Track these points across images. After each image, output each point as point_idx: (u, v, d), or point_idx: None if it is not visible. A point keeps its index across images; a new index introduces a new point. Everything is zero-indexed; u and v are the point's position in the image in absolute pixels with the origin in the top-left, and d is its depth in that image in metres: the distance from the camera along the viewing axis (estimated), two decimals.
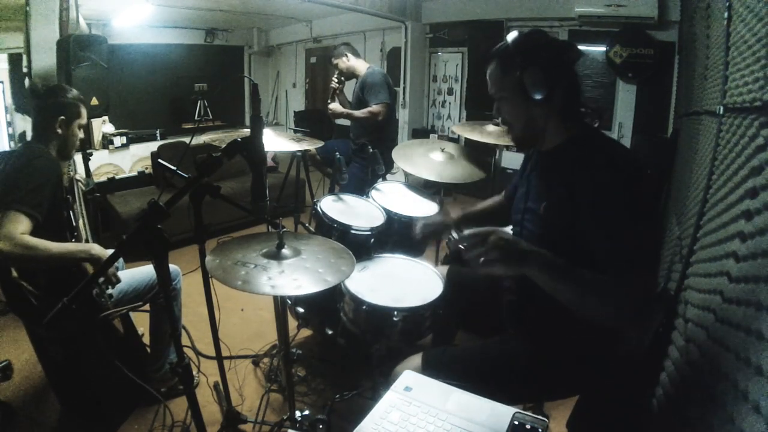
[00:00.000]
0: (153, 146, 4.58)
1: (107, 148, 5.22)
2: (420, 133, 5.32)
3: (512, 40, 1.07)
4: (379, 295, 1.45)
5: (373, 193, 2.07)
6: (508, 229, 1.30)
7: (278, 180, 3.54)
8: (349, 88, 3.17)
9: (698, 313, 0.97)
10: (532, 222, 1.15)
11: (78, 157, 2.55)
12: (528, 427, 0.81)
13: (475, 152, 2.22)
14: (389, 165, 2.50)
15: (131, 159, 5.48)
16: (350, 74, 3.08)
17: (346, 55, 3.03)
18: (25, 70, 2.44)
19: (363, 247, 1.74)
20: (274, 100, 7.77)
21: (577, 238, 0.98)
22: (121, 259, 1.95)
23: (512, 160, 4.23)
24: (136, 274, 1.75)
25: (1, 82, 3.21)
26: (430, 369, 1.11)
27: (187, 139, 4.60)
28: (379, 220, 1.86)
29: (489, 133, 2.25)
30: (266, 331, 2.34)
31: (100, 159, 5.03)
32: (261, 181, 1.15)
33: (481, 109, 4.69)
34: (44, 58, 2.34)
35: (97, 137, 4.67)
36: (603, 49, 3.83)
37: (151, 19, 5.23)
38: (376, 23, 5.31)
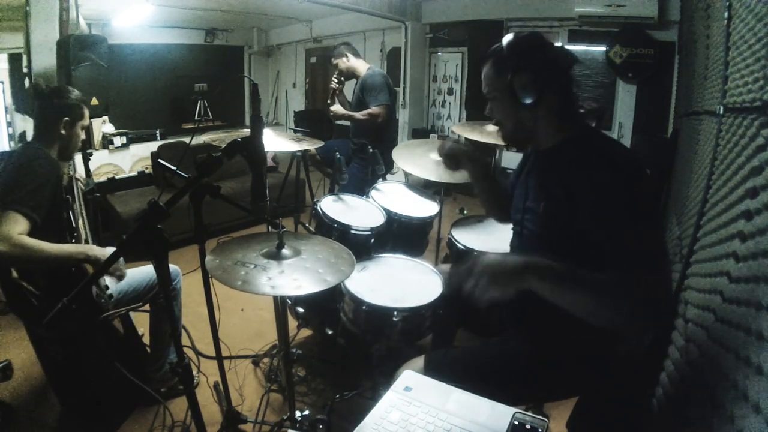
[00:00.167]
0: (153, 146, 4.58)
1: (107, 148, 5.22)
2: (420, 133, 5.31)
3: (507, 43, 1.08)
4: (378, 295, 1.45)
5: (373, 193, 2.07)
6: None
7: (278, 180, 3.54)
8: (350, 88, 3.17)
9: (698, 313, 0.97)
10: (532, 222, 1.15)
11: (78, 157, 2.55)
12: (528, 427, 0.81)
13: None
14: (389, 165, 2.49)
15: (131, 159, 5.48)
16: (350, 74, 3.07)
17: (346, 56, 3.02)
18: (25, 70, 2.45)
19: (363, 247, 1.74)
20: (274, 100, 7.78)
21: (576, 238, 0.98)
22: (121, 259, 1.95)
23: (512, 160, 4.23)
24: (136, 274, 1.75)
25: (1, 82, 3.21)
26: (432, 371, 1.11)
27: (187, 139, 4.60)
28: (379, 220, 1.86)
29: (489, 133, 2.25)
30: (266, 331, 2.34)
31: (100, 159, 5.03)
32: (261, 181, 1.15)
33: (481, 109, 4.69)
34: (44, 58, 2.35)
35: (97, 137, 4.66)
36: (603, 49, 3.83)
37: (151, 19, 5.23)
38: (376, 23, 5.31)
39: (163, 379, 1.84)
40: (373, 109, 2.86)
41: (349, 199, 2.04)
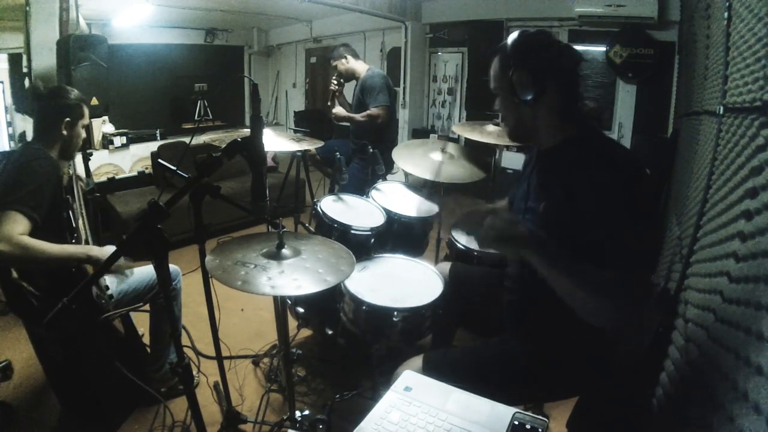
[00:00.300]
0: (153, 146, 4.58)
1: (107, 148, 5.22)
2: (420, 133, 5.31)
3: (512, 39, 1.08)
4: (378, 295, 1.45)
5: (373, 193, 2.07)
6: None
7: (278, 180, 3.54)
8: (350, 89, 3.17)
9: (698, 313, 0.97)
10: (533, 222, 1.15)
11: (78, 157, 2.55)
12: (528, 427, 0.81)
13: (475, 152, 2.22)
14: (389, 165, 2.49)
15: (131, 159, 5.48)
16: (349, 76, 3.07)
17: (345, 57, 3.02)
18: (25, 70, 2.44)
19: (363, 247, 1.74)
20: (274, 100, 7.77)
21: (576, 238, 0.98)
22: (121, 259, 1.95)
23: (512, 160, 4.23)
24: (136, 274, 1.75)
25: (1, 82, 3.21)
26: (430, 371, 1.11)
27: (187, 139, 4.60)
28: (379, 220, 1.86)
29: (489, 133, 2.25)
30: (266, 331, 2.34)
31: (100, 159, 5.03)
32: (261, 181, 1.15)
33: (481, 109, 4.70)
34: (44, 58, 2.34)
35: (97, 137, 4.66)
36: (603, 49, 3.83)
37: (151, 19, 5.23)
38: (376, 23, 5.30)
39: (163, 379, 1.84)
40: (373, 111, 2.86)
41: (349, 199, 2.04)
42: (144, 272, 1.77)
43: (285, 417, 1.56)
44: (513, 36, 1.09)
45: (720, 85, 1.28)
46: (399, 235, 1.92)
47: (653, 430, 1.03)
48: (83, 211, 2.67)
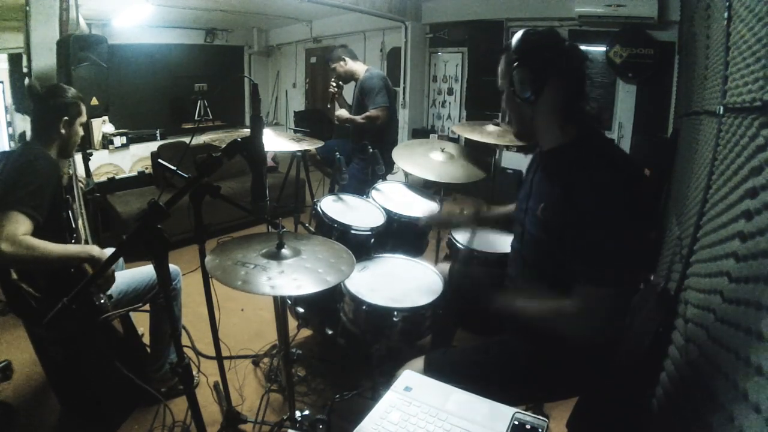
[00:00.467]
0: (153, 146, 4.58)
1: (107, 148, 5.22)
2: (420, 133, 5.31)
3: (516, 37, 1.08)
4: (379, 295, 1.45)
5: (373, 193, 2.07)
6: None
7: (278, 180, 3.54)
8: (350, 89, 3.17)
9: (698, 313, 0.97)
10: (532, 222, 1.15)
11: (78, 157, 2.56)
12: (528, 427, 0.81)
13: (475, 152, 2.22)
14: (389, 166, 2.49)
15: (131, 159, 5.48)
16: (348, 78, 3.07)
17: (344, 59, 3.02)
18: (25, 70, 2.44)
19: (363, 247, 1.74)
20: (274, 100, 7.77)
21: (574, 239, 0.99)
22: (121, 259, 1.95)
23: (512, 160, 4.23)
24: (136, 275, 1.75)
25: (1, 82, 3.21)
26: (432, 371, 1.11)
27: (187, 139, 4.60)
28: (379, 220, 1.86)
29: (489, 133, 2.25)
30: (266, 331, 2.34)
31: (100, 159, 5.03)
32: (261, 181, 1.15)
33: (481, 109, 4.70)
34: (44, 58, 2.34)
35: (97, 137, 4.67)
36: (603, 49, 3.82)
37: (151, 19, 5.23)
38: (376, 23, 5.30)
39: (163, 379, 1.84)
40: (372, 112, 2.86)
41: (349, 199, 2.04)
42: (144, 272, 1.77)
43: (285, 417, 1.56)
44: (518, 34, 1.09)
45: (720, 85, 1.28)
46: (399, 235, 1.92)
47: (653, 430, 1.03)
48: (83, 211, 2.68)
